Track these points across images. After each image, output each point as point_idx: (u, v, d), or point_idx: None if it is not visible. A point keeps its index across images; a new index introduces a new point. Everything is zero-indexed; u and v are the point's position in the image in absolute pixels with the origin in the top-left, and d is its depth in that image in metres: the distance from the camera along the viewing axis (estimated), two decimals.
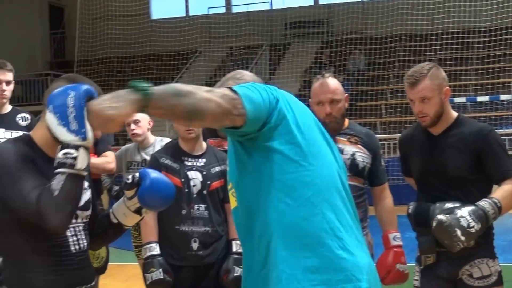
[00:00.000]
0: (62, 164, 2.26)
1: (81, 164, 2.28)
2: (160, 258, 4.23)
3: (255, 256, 2.45)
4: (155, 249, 4.26)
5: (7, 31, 22.74)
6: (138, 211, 2.65)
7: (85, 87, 2.32)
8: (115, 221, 2.70)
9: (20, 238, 2.43)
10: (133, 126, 5.54)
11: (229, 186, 2.49)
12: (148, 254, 4.25)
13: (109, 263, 5.47)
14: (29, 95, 21.78)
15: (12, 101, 17.38)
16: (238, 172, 2.51)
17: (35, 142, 2.50)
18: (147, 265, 4.22)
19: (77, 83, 2.46)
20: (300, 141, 2.37)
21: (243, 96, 2.29)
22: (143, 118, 5.60)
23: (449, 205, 3.48)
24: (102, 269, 5.25)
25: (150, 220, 4.30)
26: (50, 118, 2.28)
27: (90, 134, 2.31)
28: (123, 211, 2.67)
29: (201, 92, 2.24)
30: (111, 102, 2.18)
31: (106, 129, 2.32)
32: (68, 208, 2.29)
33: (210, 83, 20.64)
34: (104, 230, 2.75)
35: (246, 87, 2.37)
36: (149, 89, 2.18)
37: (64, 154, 2.26)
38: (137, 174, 2.66)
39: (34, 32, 24.87)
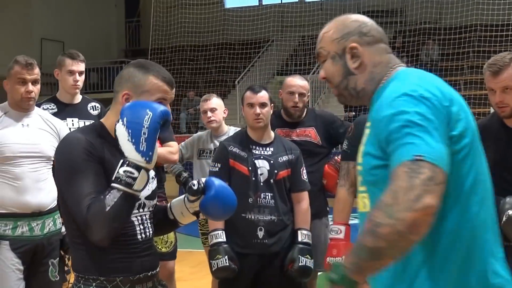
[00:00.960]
0: (120, 181, 2.28)
1: (138, 185, 2.30)
2: (226, 245, 4.24)
3: None
4: (221, 237, 4.27)
5: (84, 20, 23.02)
6: (196, 213, 2.69)
7: (162, 109, 2.33)
8: (171, 217, 2.74)
9: None
10: (209, 113, 5.47)
11: (362, 188, 2.23)
12: (214, 241, 4.27)
13: (178, 250, 5.52)
14: (105, 82, 21.89)
15: (88, 87, 17.74)
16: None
17: (107, 129, 2.52)
18: (212, 252, 4.25)
19: (150, 69, 2.50)
20: None
21: (437, 161, 1.82)
22: (220, 106, 5.57)
23: None
24: (173, 254, 5.33)
25: None
26: (121, 130, 2.30)
27: (155, 158, 2.35)
28: (181, 210, 2.71)
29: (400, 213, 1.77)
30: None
31: None
32: (114, 225, 2.31)
33: (281, 72, 20.69)
34: (158, 222, 2.74)
35: (423, 139, 1.86)
36: (345, 276, 1.87)
37: (125, 171, 2.27)
38: (203, 180, 2.67)
39: (110, 20, 25.25)
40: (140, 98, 2.45)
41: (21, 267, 3.96)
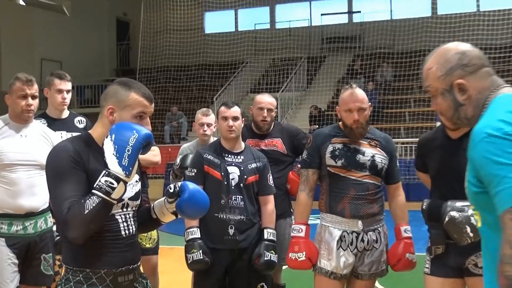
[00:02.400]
0: (100, 189, 2.30)
1: (116, 195, 2.33)
2: (200, 241, 4.24)
3: None
4: (196, 233, 4.26)
5: (80, 42, 22.87)
6: (174, 213, 2.70)
7: (146, 132, 2.38)
8: (154, 216, 2.75)
9: None
10: (206, 128, 5.45)
11: (472, 206, 2.19)
12: (190, 237, 4.26)
13: (161, 246, 5.50)
14: (98, 98, 21.62)
15: (83, 103, 17.66)
16: None
17: (93, 139, 2.53)
18: (188, 247, 4.24)
19: (132, 86, 2.52)
20: None
21: None
22: (214, 122, 5.52)
23: (460, 203, 3.42)
24: (155, 250, 5.30)
25: None
26: (108, 145, 2.34)
27: (133, 173, 2.39)
28: (162, 210, 2.72)
29: None
30: None
31: None
32: (91, 227, 2.33)
33: (254, 90, 20.69)
34: (143, 221, 2.76)
35: None
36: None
37: (106, 181, 2.30)
38: (179, 184, 2.67)
39: (103, 43, 25.13)
40: (122, 112, 2.48)
41: (16, 261, 3.95)
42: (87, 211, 2.28)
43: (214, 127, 5.60)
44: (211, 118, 5.52)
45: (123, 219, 2.54)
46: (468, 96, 2.05)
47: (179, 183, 2.68)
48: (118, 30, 25.99)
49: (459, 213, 3.37)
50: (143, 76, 22.07)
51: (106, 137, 2.37)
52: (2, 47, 19.85)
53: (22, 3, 21.99)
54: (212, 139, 5.57)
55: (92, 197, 2.30)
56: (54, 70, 5.12)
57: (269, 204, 4.42)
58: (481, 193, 1.91)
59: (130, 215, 2.59)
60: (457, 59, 2.07)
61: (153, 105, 2.58)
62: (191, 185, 2.64)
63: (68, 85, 4.71)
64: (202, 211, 2.71)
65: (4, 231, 3.93)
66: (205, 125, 5.45)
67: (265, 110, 4.93)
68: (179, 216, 2.75)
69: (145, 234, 5.15)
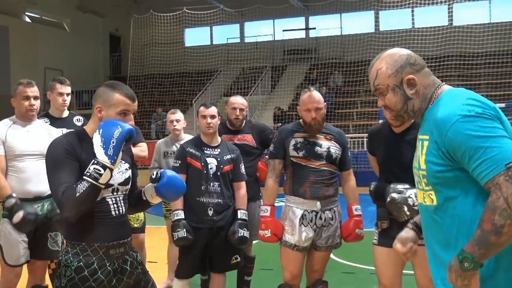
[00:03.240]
0: (90, 175, 2.32)
1: (103, 180, 2.35)
2: (184, 221, 4.23)
3: None
4: (181, 215, 4.26)
5: (78, 54, 22.68)
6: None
7: (129, 127, 2.39)
8: (144, 198, 2.76)
9: None
10: (175, 123, 5.58)
11: (427, 188, 2.05)
12: (175, 218, 4.25)
13: (148, 226, 5.48)
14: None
15: (81, 105, 17.46)
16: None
17: (87, 133, 2.54)
18: (174, 226, 4.23)
19: (116, 88, 2.53)
20: None
21: None
22: (182, 118, 5.65)
23: (400, 186, 3.47)
24: (142, 228, 5.31)
25: None
26: (96, 138, 2.36)
27: (118, 161, 2.39)
28: (150, 193, 2.73)
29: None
30: (462, 282, 1.86)
31: None
32: (81, 207, 2.35)
33: (227, 94, 20.66)
34: (136, 202, 2.78)
35: (501, 146, 1.80)
36: (471, 259, 1.82)
37: (94, 169, 2.33)
38: (160, 171, 2.69)
39: (98, 54, 24.87)
40: (108, 110, 2.49)
41: (26, 239, 3.90)
42: (79, 194, 2.31)
43: (184, 123, 5.72)
44: (178, 115, 5.66)
45: (113, 202, 2.56)
46: (416, 91, 2.05)
47: (160, 171, 2.69)
48: (111, 43, 25.78)
49: (399, 194, 3.41)
50: (132, 82, 21.96)
51: (95, 132, 2.39)
52: (11, 57, 19.56)
53: (28, 20, 21.73)
54: (183, 134, 5.63)
55: (82, 182, 2.33)
56: (55, 77, 5.08)
57: (242, 189, 4.42)
58: (446, 171, 1.91)
59: (121, 198, 2.60)
60: (405, 59, 2.07)
61: (135, 103, 2.57)
62: (170, 172, 2.66)
63: (68, 89, 4.66)
64: (178, 194, 2.71)
65: None
66: (174, 121, 5.58)
67: (238, 110, 4.91)
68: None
69: (133, 216, 5.18)
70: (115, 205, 2.55)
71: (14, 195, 3.82)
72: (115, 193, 2.56)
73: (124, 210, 2.61)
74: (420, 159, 2.01)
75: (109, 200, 2.53)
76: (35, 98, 4.01)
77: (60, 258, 2.50)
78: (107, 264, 2.49)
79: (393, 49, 2.14)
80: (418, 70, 2.07)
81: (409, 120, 2.12)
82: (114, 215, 2.54)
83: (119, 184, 2.58)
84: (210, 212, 4.28)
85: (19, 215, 3.71)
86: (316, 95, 3.96)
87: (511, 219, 1.75)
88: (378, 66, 2.10)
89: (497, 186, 1.77)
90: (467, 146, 1.82)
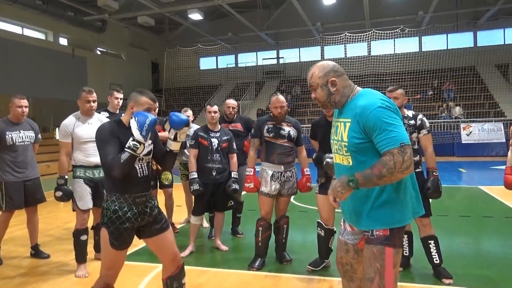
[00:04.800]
0: (129, 148, 2.24)
1: (139, 151, 2.25)
2: (197, 179, 4.20)
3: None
4: (195, 175, 4.22)
5: (131, 74, 22.40)
6: (175, 139, 2.48)
7: (155, 117, 2.29)
8: (167, 149, 2.54)
9: None
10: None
11: (346, 154, 1.96)
12: (192, 177, 4.21)
13: (175, 184, 5.41)
14: None
15: None
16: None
17: (123, 122, 2.44)
18: (191, 182, 4.19)
19: (143, 93, 2.42)
20: None
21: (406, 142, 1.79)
22: (191, 114, 5.41)
23: (331, 155, 3.44)
24: (171, 185, 5.20)
25: (193, 161, 4.26)
26: (133, 123, 2.26)
27: (148, 137, 2.29)
28: (169, 142, 2.51)
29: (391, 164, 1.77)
30: (341, 190, 1.86)
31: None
32: (125, 169, 2.25)
33: (227, 99, 20.49)
34: (163, 155, 2.56)
35: (399, 132, 1.79)
36: (356, 182, 1.81)
37: (133, 144, 2.24)
38: (168, 116, 2.51)
39: (144, 75, 24.46)
40: (138, 107, 2.40)
41: (90, 193, 3.82)
42: (122, 160, 2.23)
43: (192, 117, 5.44)
44: (189, 112, 5.32)
45: (139, 167, 2.43)
46: (337, 89, 1.99)
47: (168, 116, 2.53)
48: (152, 68, 25.36)
49: (331, 159, 3.38)
50: (166, 93, 21.88)
51: (131, 119, 2.30)
52: (88, 77, 19.21)
53: (99, 53, 21.36)
54: (191, 124, 5.31)
55: (125, 153, 2.24)
56: (114, 87, 4.96)
57: (234, 158, 4.38)
58: (362, 143, 1.86)
59: (144, 164, 2.47)
60: (331, 67, 2.02)
61: (156, 104, 2.46)
62: (174, 115, 2.45)
63: (120, 95, 4.56)
64: (181, 120, 2.43)
65: (82, 174, 3.80)
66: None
67: (231, 108, 4.86)
68: (178, 140, 2.49)
69: (165, 177, 5.08)
70: (140, 169, 2.43)
71: (65, 177, 3.73)
72: (141, 161, 2.45)
73: (147, 172, 2.48)
74: (344, 134, 1.93)
75: (136, 166, 2.42)
76: (94, 101, 3.86)
77: (104, 204, 2.42)
78: (134, 208, 2.40)
79: (325, 61, 2.09)
80: (339, 75, 2.00)
81: (331, 108, 2.04)
82: (140, 176, 2.43)
83: (144, 155, 2.47)
84: (214, 173, 4.25)
85: (58, 193, 3.69)
86: (281, 97, 3.89)
87: (391, 174, 1.77)
88: (313, 71, 2.05)
89: (391, 154, 1.77)
90: (378, 126, 1.80)
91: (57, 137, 3.77)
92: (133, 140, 2.25)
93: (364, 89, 1.99)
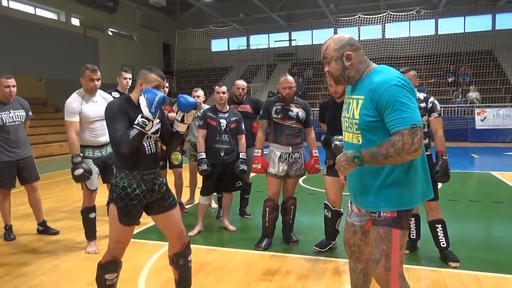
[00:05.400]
0: (138, 124, 2.23)
1: (148, 128, 2.24)
2: (205, 159, 4.20)
3: None
4: (203, 155, 4.22)
5: (143, 56, 22.37)
6: (182, 121, 2.48)
7: (163, 95, 2.26)
8: (174, 130, 2.54)
9: None
10: (197, 98, 5.13)
11: (357, 132, 1.91)
12: (200, 157, 4.22)
13: (184, 165, 5.43)
14: None
15: None
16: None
17: (132, 99, 2.42)
18: (200, 162, 4.20)
19: (152, 70, 2.41)
20: None
21: (418, 124, 1.73)
22: (202, 94, 5.24)
23: (340, 137, 3.40)
24: (180, 165, 5.20)
25: (201, 141, 4.26)
26: (142, 100, 2.24)
27: (157, 115, 2.28)
28: (176, 123, 2.51)
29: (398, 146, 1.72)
30: (345, 164, 1.86)
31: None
32: (133, 145, 2.25)
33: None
34: (171, 136, 2.57)
35: (412, 113, 1.73)
36: (361, 159, 1.79)
37: (142, 120, 2.22)
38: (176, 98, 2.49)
39: (155, 56, 24.42)
40: (147, 85, 2.38)
41: (98, 172, 3.87)
42: (131, 137, 2.22)
43: (203, 97, 5.25)
44: (199, 92, 5.17)
45: (147, 145, 2.43)
46: (351, 64, 1.91)
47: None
48: (164, 49, 25.31)
49: (339, 142, 3.35)
50: (177, 75, 21.85)
51: (141, 95, 2.27)
52: (100, 58, 19.26)
53: (110, 33, 21.35)
54: (203, 104, 5.25)
55: (133, 129, 2.23)
56: (124, 68, 4.96)
57: (242, 139, 4.37)
58: (374, 122, 1.80)
59: (152, 142, 2.46)
60: (348, 40, 1.93)
61: (165, 81, 2.44)
62: (182, 97, 2.44)
63: (129, 75, 4.56)
64: (189, 102, 2.42)
65: (91, 154, 3.82)
66: (196, 96, 5.12)
67: (240, 89, 4.85)
68: (185, 122, 2.48)
69: (174, 157, 5.08)
70: (148, 147, 2.43)
71: (81, 154, 3.67)
72: (149, 139, 2.45)
73: (154, 150, 2.47)
74: (355, 112, 1.86)
75: (144, 143, 2.42)
76: (98, 79, 3.78)
77: (112, 181, 2.43)
78: (142, 185, 2.41)
79: (340, 33, 2.00)
80: (355, 50, 1.90)
81: (344, 84, 1.97)
82: (148, 153, 2.43)
83: (152, 133, 2.46)
84: (222, 154, 4.25)
85: (79, 171, 3.60)
86: (289, 78, 3.85)
87: (397, 155, 1.73)
88: (329, 43, 1.95)
89: (401, 134, 1.72)
90: (391, 104, 1.73)
91: None
92: (142, 117, 2.23)
93: (381, 65, 1.91)
